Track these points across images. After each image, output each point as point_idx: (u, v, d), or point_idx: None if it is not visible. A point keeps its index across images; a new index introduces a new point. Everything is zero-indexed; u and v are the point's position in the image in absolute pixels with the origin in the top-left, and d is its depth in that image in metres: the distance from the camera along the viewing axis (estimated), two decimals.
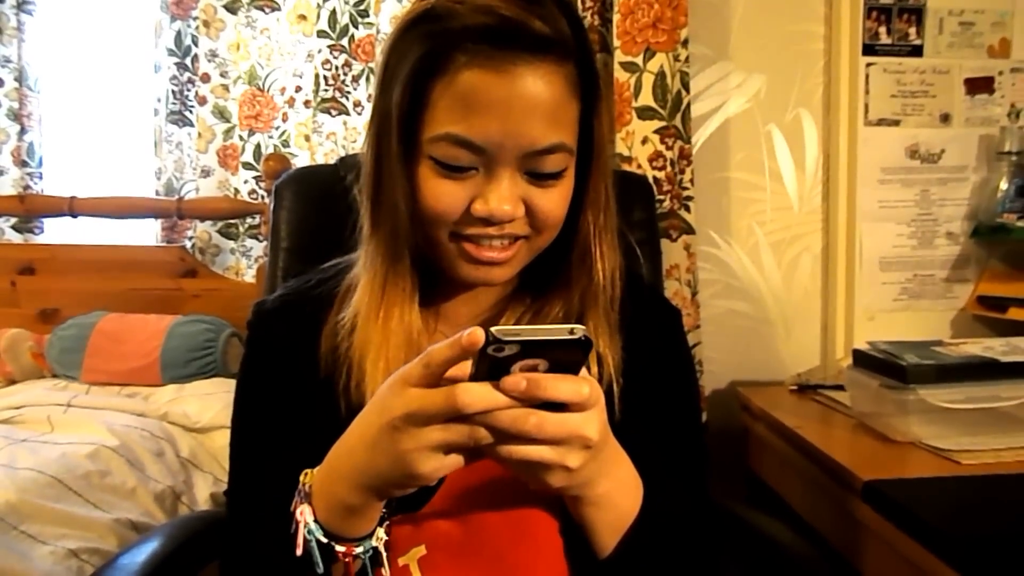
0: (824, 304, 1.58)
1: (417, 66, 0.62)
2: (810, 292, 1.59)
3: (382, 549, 0.59)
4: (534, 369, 0.49)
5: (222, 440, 1.41)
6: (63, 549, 0.99)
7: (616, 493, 0.60)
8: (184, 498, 1.27)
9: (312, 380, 0.68)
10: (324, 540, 0.57)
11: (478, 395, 0.48)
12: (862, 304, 1.52)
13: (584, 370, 0.52)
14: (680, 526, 0.67)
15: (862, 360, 1.16)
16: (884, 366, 1.09)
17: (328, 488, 0.57)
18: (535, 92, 0.60)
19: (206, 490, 1.32)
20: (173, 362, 1.56)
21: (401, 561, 0.62)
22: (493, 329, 0.47)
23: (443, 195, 0.63)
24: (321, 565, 0.57)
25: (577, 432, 0.51)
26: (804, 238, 1.58)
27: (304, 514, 0.57)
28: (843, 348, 1.52)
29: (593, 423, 0.52)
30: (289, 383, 0.70)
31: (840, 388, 1.32)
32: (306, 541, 0.57)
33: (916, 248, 1.53)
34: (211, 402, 1.46)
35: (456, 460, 0.52)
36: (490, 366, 0.48)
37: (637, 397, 0.70)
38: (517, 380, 0.48)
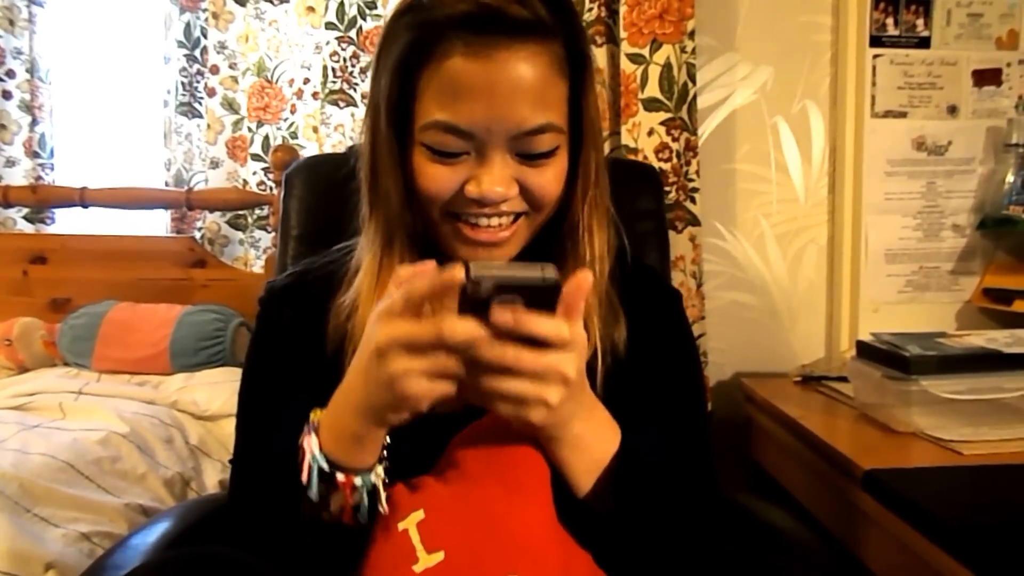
0: (829, 296, 1.59)
1: (403, 56, 0.64)
2: (815, 284, 1.59)
3: (380, 486, 0.62)
4: (512, 306, 0.53)
5: (230, 428, 1.40)
6: (75, 532, 1.01)
7: (590, 435, 0.62)
8: (193, 484, 1.29)
9: (320, 357, 0.70)
10: (327, 468, 0.60)
11: (462, 328, 0.52)
12: (867, 296, 1.52)
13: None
14: (676, 485, 0.68)
15: (865, 351, 1.16)
16: (887, 357, 1.09)
17: (335, 421, 0.60)
18: (518, 75, 0.62)
19: (215, 477, 1.33)
20: (182, 351, 1.57)
21: (400, 526, 0.63)
22: (471, 264, 0.52)
23: (436, 178, 0.65)
24: (316, 492, 0.60)
25: (555, 367, 0.54)
26: (810, 230, 1.58)
27: (310, 444, 0.60)
28: (847, 340, 1.52)
29: (571, 362, 0.55)
30: (297, 359, 0.72)
31: (844, 380, 1.31)
32: (310, 469, 0.60)
33: (922, 240, 1.52)
34: (220, 391, 1.47)
35: (444, 388, 0.55)
36: (469, 303, 0.53)
37: (638, 378, 0.70)
38: (504, 312, 0.52)
